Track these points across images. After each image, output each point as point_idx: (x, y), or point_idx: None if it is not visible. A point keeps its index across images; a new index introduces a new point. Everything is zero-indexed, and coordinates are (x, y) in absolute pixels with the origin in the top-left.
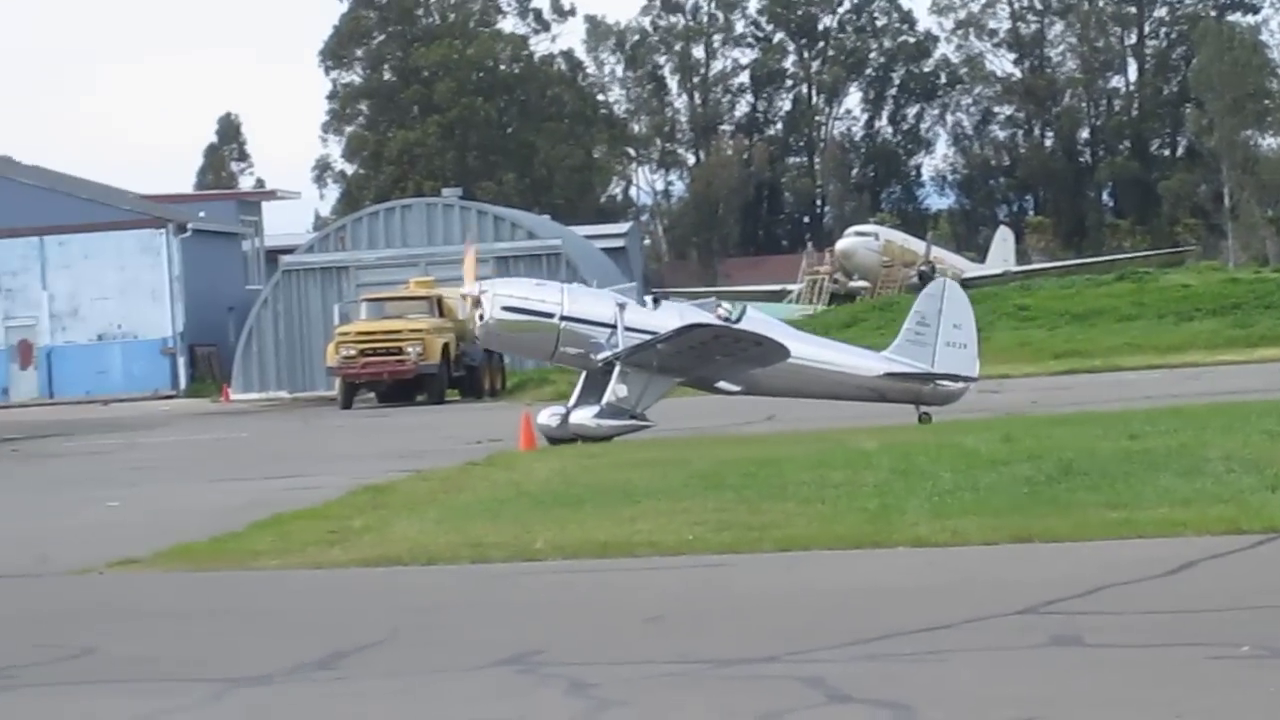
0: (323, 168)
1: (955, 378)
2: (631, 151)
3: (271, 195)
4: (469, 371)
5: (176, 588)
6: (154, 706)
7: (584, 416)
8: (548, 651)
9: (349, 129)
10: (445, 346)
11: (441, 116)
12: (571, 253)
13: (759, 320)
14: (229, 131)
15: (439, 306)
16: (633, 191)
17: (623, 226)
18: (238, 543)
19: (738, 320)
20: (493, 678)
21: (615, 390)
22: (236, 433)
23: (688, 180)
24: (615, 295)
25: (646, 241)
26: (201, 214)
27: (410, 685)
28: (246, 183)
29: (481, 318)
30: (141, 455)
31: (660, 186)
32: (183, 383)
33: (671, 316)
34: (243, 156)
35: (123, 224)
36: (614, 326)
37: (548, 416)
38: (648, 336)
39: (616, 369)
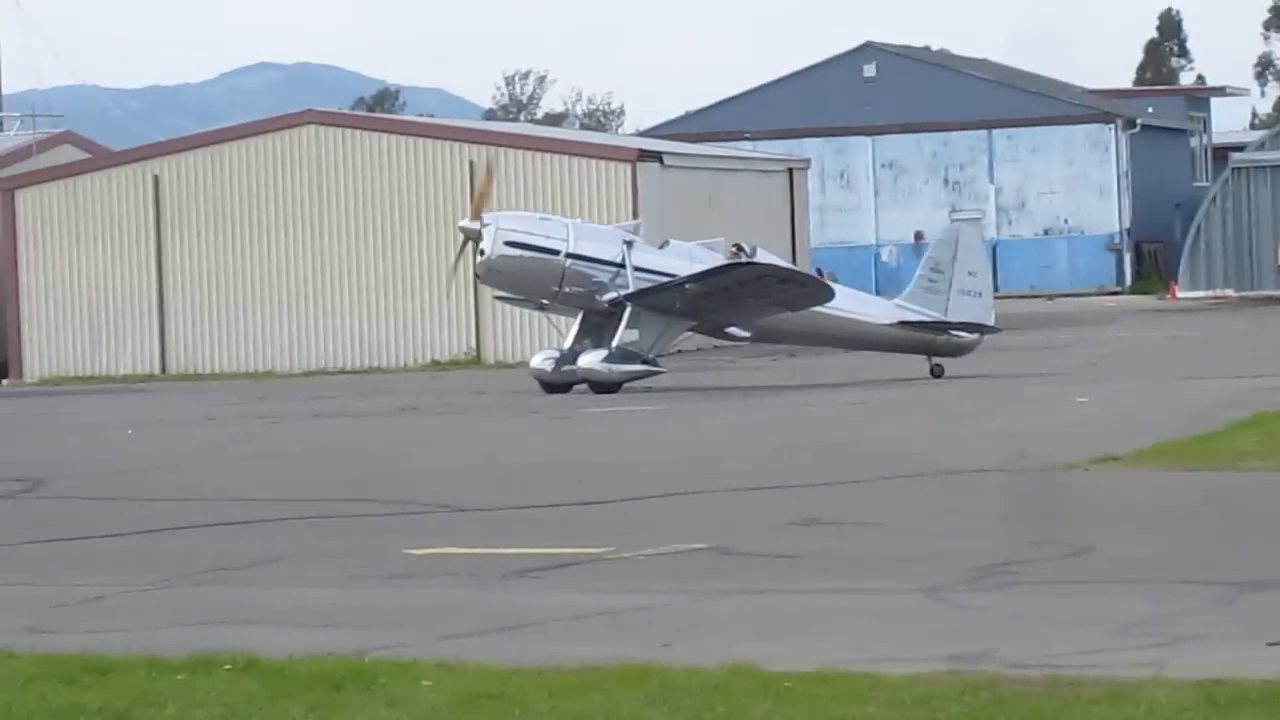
0: (1264, 65)
1: (972, 327)
2: None
3: (1220, 91)
4: None
5: (1165, 486)
6: (1160, 610)
7: (593, 360)
8: None
9: None
10: None
11: None
12: None
13: (769, 256)
14: (1169, 27)
15: None
16: None
17: None
18: (1220, 442)
19: (750, 258)
20: None
21: (626, 334)
22: (1186, 330)
23: None
24: (622, 233)
25: None
26: (1150, 109)
27: None
28: (1185, 79)
29: (482, 253)
30: (1093, 351)
31: None
32: (1128, 279)
33: (680, 257)
34: (1183, 53)
35: (1071, 118)
36: (620, 266)
37: (541, 360)
38: (657, 277)
39: (627, 311)
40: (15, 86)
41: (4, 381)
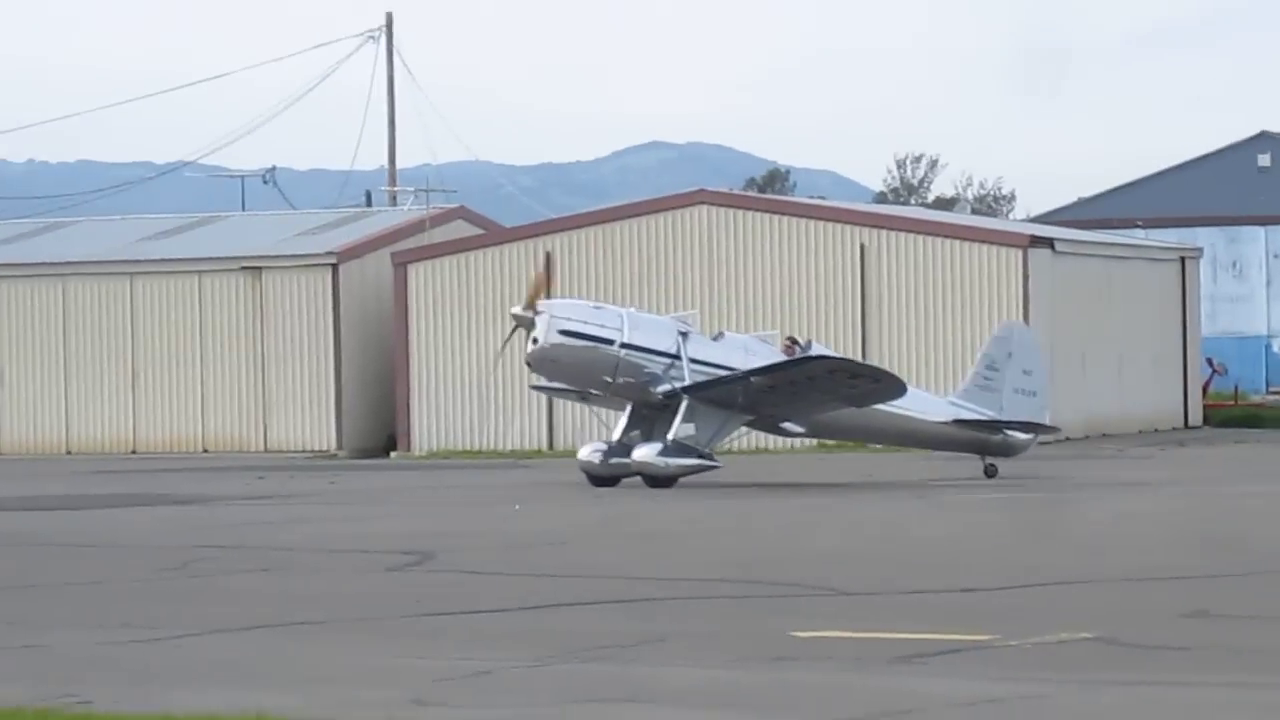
0: None
1: (1028, 427)
2: None
3: None
4: None
5: None
6: None
7: (648, 454)
8: None
9: None
10: None
11: None
12: None
13: (824, 350)
14: None
15: None
16: None
17: None
18: None
19: (805, 352)
20: None
21: (682, 427)
22: None
23: None
24: (677, 323)
25: None
26: None
27: None
28: None
29: (535, 341)
30: None
31: None
32: None
33: (735, 349)
34: None
35: None
36: (675, 357)
37: (589, 453)
38: (713, 370)
39: (684, 403)
40: (410, 161)
41: (393, 454)
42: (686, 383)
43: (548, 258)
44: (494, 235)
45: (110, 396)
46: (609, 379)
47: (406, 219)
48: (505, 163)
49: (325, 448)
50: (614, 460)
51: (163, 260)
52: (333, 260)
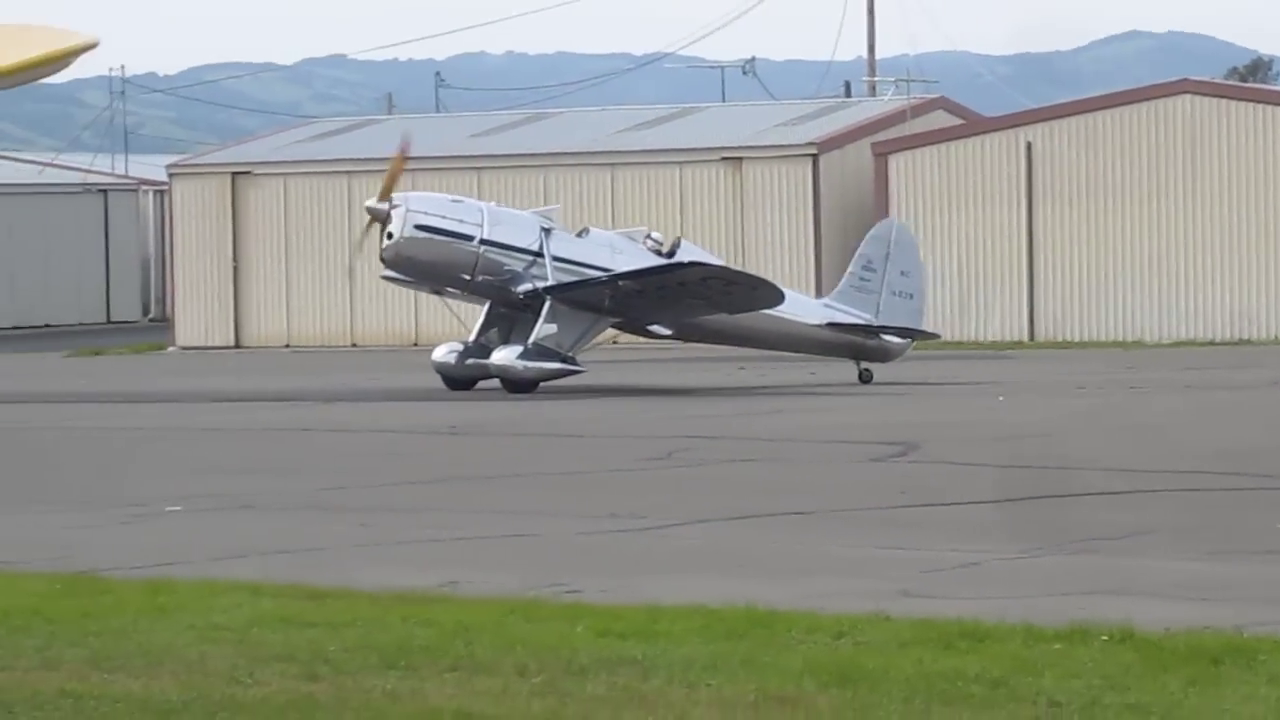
0: None
1: (904, 332)
2: None
3: None
4: None
5: None
6: None
7: (507, 356)
8: None
9: None
10: None
11: None
12: None
13: (694, 251)
14: None
15: None
16: None
17: None
18: None
19: (670, 252)
20: None
21: (544, 328)
22: None
23: None
24: (539, 220)
25: None
26: None
27: None
28: None
29: (390, 236)
30: None
31: None
32: None
33: (600, 247)
34: None
35: None
36: (537, 255)
37: (444, 354)
38: (578, 268)
39: (547, 304)
40: (888, 51)
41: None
42: (550, 282)
43: (403, 145)
44: (974, 125)
45: None
46: (467, 277)
47: (886, 109)
48: (984, 53)
49: None
50: (470, 361)
51: (643, 151)
52: (813, 151)
